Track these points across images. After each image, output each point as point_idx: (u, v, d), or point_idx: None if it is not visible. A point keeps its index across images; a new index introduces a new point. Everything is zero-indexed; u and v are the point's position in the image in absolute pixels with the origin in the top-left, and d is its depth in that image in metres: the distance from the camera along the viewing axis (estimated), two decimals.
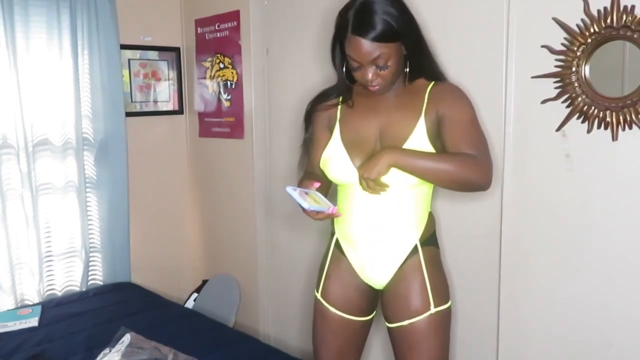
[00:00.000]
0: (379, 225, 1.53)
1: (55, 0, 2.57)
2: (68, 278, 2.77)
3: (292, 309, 2.68)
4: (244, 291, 2.89)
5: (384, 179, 1.44)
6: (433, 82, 1.53)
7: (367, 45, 1.39)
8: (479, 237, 1.89)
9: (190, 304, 3.00)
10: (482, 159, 1.43)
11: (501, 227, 1.82)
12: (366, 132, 1.53)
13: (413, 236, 1.55)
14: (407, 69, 1.51)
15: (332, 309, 1.62)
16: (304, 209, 1.46)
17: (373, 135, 1.53)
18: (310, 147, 1.68)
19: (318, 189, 1.49)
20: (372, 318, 1.69)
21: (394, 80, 1.49)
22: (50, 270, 2.70)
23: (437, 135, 1.47)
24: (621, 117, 1.51)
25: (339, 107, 1.62)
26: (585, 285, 1.65)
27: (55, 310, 2.44)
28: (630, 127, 1.50)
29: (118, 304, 2.50)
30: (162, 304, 2.55)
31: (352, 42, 1.41)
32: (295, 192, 1.42)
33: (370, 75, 1.44)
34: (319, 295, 1.66)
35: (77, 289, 2.77)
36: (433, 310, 1.52)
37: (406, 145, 1.47)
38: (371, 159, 1.43)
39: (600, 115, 1.55)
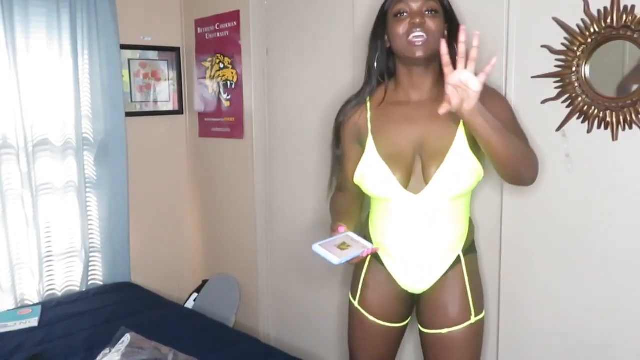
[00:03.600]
0: (418, 240, 1.49)
1: (55, 0, 2.57)
2: (68, 278, 2.77)
3: (292, 309, 2.68)
4: (244, 291, 2.89)
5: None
6: None
7: None
8: (479, 237, 1.88)
9: (190, 304, 3.00)
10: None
11: (501, 227, 1.82)
12: (403, 144, 1.47)
13: (456, 248, 1.53)
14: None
15: (372, 318, 1.61)
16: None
17: (412, 148, 1.47)
18: (342, 163, 1.64)
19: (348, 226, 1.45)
20: (408, 322, 1.69)
21: (436, 46, 1.36)
22: (50, 270, 2.70)
23: (475, 143, 1.40)
24: (621, 117, 1.51)
25: (368, 116, 1.55)
26: (586, 285, 1.65)
27: (55, 310, 2.43)
28: (630, 127, 1.50)
29: (118, 304, 2.50)
30: (162, 304, 2.55)
31: None
32: (322, 249, 1.32)
33: (417, 20, 1.39)
34: (356, 304, 1.64)
35: (77, 289, 2.77)
36: (473, 320, 1.52)
37: (448, 158, 1.42)
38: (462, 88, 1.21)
39: (600, 115, 1.55)
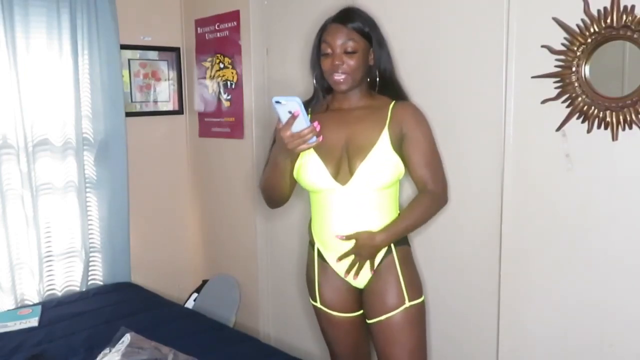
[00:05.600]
0: (349, 230, 1.61)
1: (55, 0, 2.57)
2: (68, 278, 2.77)
3: (292, 309, 2.68)
4: (244, 291, 2.89)
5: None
6: (394, 101, 1.65)
7: (342, 30, 1.58)
8: (479, 237, 1.89)
9: (190, 304, 3.00)
10: (435, 189, 1.62)
11: (501, 227, 1.82)
12: (334, 141, 1.62)
13: None
14: (378, 78, 1.65)
15: (335, 313, 1.73)
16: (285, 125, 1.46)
17: (340, 144, 1.62)
18: None
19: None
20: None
21: (357, 78, 1.60)
22: (50, 270, 2.70)
23: (399, 146, 1.61)
24: (621, 117, 1.51)
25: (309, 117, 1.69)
26: (585, 286, 1.65)
27: (55, 310, 2.43)
28: (630, 127, 1.50)
29: (118, 304, 2.50)
30: (162, 304, 2.55)
31: (330, 28, 1.60)
32: (281, 105, 1.43)
33: (337, 61, 1.57)
34: (318, 304, 1.75)
35: (77, 289, 2.77)
36: (407, 304, 1.62)
37: (371, 154, 1.57)
38: (366, 246, 1.58)
39: (600, 115, 1.55)
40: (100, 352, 1.92)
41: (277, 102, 1.42)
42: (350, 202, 1.60)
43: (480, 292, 1.91)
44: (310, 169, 1.62)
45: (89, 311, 2.42)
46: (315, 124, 1.47)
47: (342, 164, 1.61)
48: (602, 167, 1.58)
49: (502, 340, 1.86)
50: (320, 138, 1.49)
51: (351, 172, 1.59)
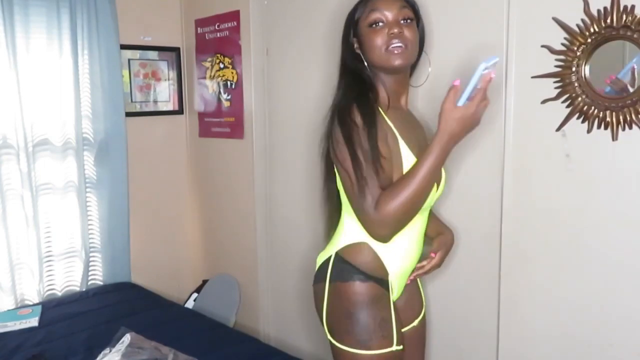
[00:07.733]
0: (422, 244, 1.48)
1: (55, 0, 2.57)
2: (68, 278, 2.77)
3: (292, 309, 2.68)
4: (244, 291, 2.89)
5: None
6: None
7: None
8: (479, 237, 1.89)
9: (190, 304, 3.00)
10: None
11: (501, 227, 1.82)
12: (420, 146, 1.41)
13: None
14: (430, 68, 1.52)
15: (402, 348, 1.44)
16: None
17: (419, 150, 1.39)
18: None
19: None
20: None
21: (413, 55, 1.36)
22: (50, 271, 2.70)
23: None
24: (621, 117, 1.51)
25: (386, 118, 1.37)
26: (585, 286, 1.65)
27: (55, 310, 2.44)
28: (630, 127, 1.50)
29: (118, 304, 2.51)
30: (162, 304, 2.55)
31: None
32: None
33: (395, 28, 1.31)
34: (395, 346, 1.37)
35: (77, 289, 2.77)
36: (424, 305, 1.65)
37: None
38: (449, 250, 1.56)
39: (600, 115, 1.55)
40: (100, 352, 1.92)
41: (486, 68, 1.17)
42: (426, 216, 1.46)
43: (480, 292, 1.91)
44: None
45: (89, 311, 2.42)
46: (457, 81, 1.23)
47: None
48: (602, 167, 1.58)
49: (502, 340, 1.86)
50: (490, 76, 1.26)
51: (437, 181, 1.39)
